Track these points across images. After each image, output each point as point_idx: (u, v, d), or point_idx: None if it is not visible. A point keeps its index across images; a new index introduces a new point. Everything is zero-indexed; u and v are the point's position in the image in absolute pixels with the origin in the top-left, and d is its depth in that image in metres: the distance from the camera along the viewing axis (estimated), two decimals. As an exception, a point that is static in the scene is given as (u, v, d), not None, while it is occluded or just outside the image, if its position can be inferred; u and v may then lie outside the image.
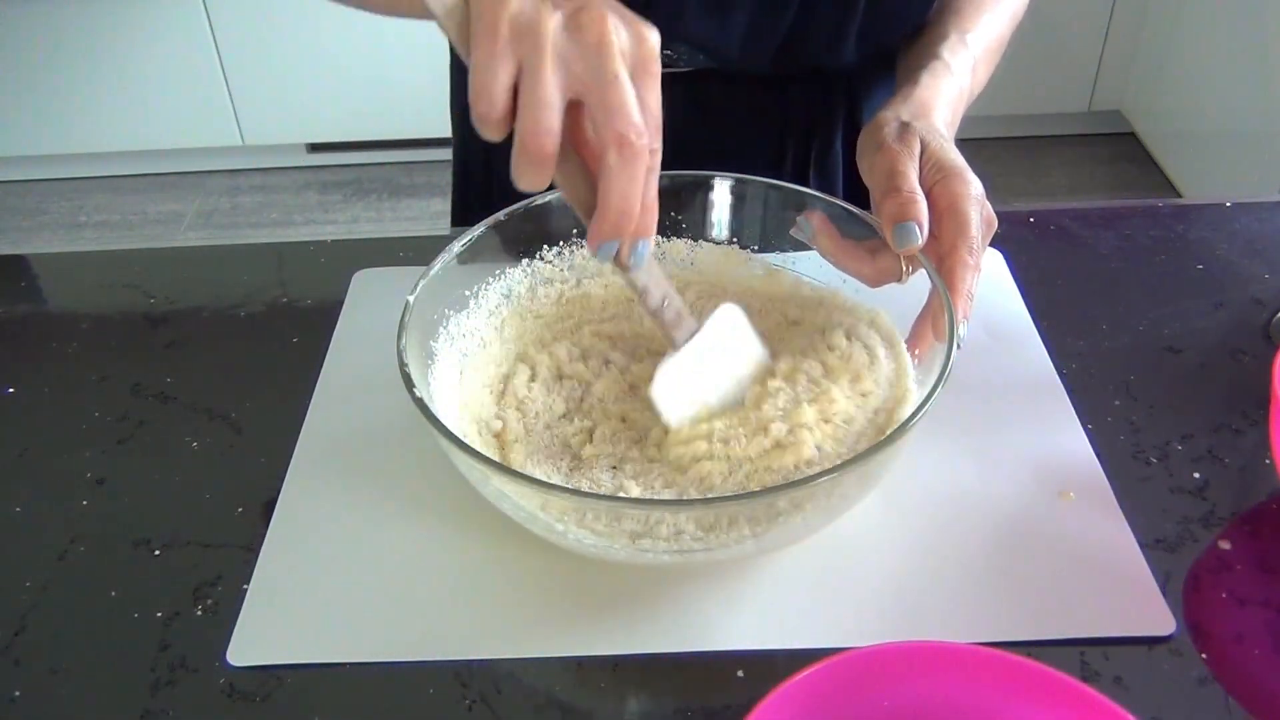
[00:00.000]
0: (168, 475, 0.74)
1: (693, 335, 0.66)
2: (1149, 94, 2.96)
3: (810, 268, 0.77)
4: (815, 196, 0.74)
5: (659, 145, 0.55)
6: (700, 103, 0.95)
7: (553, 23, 0.52)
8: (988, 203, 0.68)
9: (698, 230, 0.79)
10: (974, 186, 0.67)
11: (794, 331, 0.74)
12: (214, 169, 3.17)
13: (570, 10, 0.53)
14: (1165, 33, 2.84)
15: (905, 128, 0.71)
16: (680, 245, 0.79)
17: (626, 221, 0.56)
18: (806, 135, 0.99)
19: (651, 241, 0.59)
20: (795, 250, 0.77)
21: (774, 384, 0.67)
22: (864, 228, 0.71)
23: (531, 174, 0.54)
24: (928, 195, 0.67)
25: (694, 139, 0.96)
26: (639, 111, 0.54)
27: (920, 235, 0.65)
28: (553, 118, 0.53)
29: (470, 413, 0.69)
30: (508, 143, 0.97)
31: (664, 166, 0.76)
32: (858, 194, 0.77)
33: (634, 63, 0.54)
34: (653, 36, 0.55)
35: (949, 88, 0.77)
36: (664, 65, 0.91)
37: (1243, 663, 0.60)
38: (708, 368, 0.66)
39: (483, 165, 1.07)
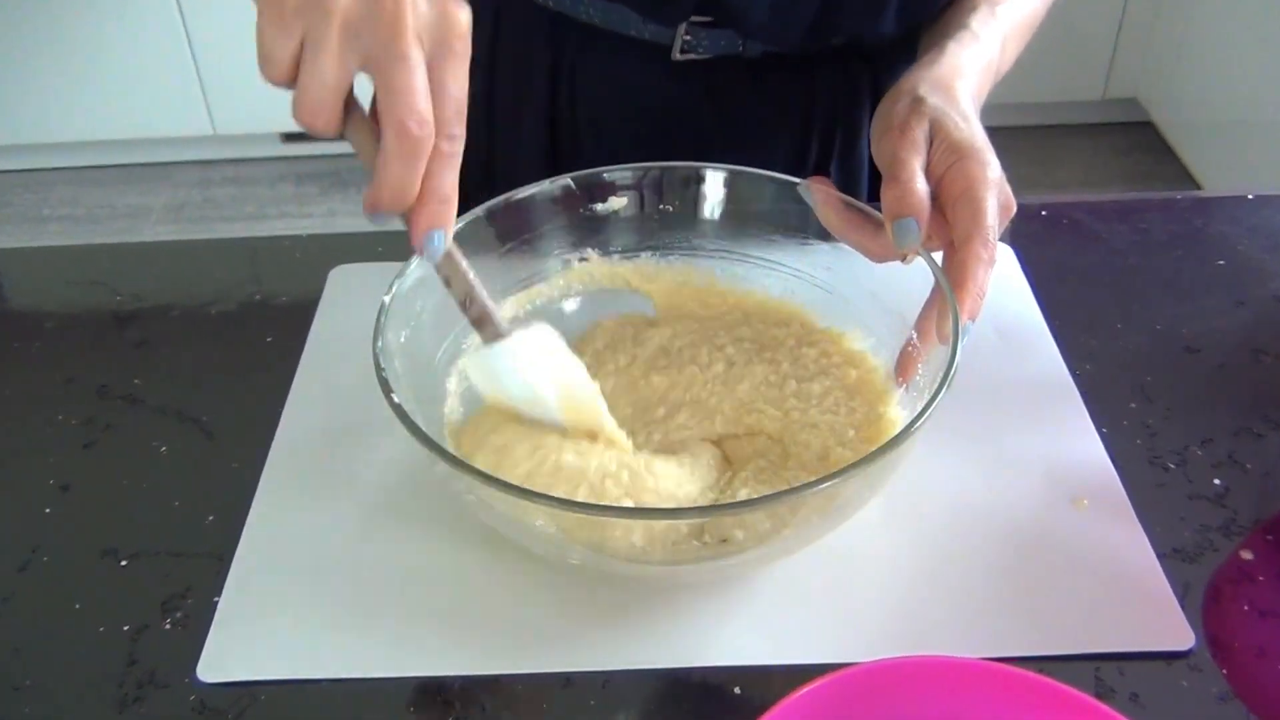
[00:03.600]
0: (135, 481, 0.74)
1: (498, 340, 0.64)
2: (1167, 81, 2.97)
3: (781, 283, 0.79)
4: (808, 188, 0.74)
5: (459, 132, 0.55)
6: (719, 94, 0.95)
7: None
8: (1006, 185, 0.67)
9: (689, 222, 0.79)
10: (991, 169, 0.66)
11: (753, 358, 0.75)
12: (184, 159, 3.17)
13: None
14: (1183, 15, 2.84)
15: (916, 106, 0.69)
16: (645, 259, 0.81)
17: (399, 203, 0.56)
18: (830, 131, 0.98)
19: (447, 233, 0.58)
20: (786, 239, 0.77)
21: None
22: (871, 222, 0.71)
23: (313, 132, 0.55)
24: (940, 180, 0.67)
25: (713, 132, 0.96)
26: (425, 97, 0.53)
27: (919, 233, 0.65)
28: (328, 95, 0.54)
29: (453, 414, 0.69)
30: (501, 136, 0.97)
31: (681, 158, 0.76)
32: None
33: (433, 42, 0.54)
34: (461, 14, 0.55)
35: (976, 57, 0.76)
36: (682, 52, 0.91)
37: (1265, 678, 0.60)
38: (519, 374, 0.65)
39: (487, 150, 1.07)
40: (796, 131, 0.98)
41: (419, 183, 0.55)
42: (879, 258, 0.70)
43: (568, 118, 0.98)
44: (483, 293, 0.63)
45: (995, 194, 0.66)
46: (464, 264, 0.63)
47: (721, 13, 0.88)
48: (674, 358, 0.75)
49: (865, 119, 0.99)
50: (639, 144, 0.80)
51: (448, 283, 0.63)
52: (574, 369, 0.65)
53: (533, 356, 0.64)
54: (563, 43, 0.95)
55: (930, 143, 0.68)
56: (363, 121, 0.57)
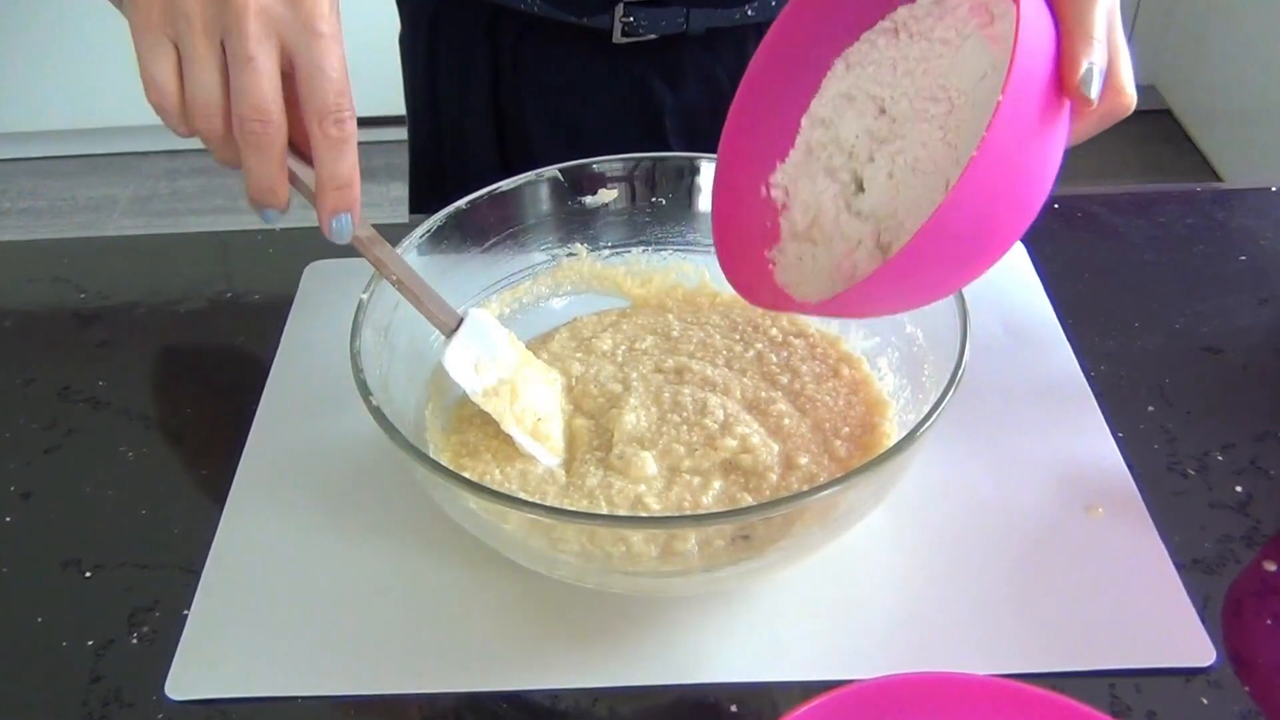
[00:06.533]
0: (100, 489, 0.73)
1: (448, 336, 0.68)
2: (1186, 68, 2.97)
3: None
4: None
5: (346, 115, 0.57)
6: (669, 76, 0.95)
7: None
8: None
9: (683, 216, 0.79)
10: None
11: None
12: (151, 149, 3.16)
13: None
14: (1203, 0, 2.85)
15: None
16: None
17: (268, 198, 0.60)
18: None
19: (354, 216, 0.61)
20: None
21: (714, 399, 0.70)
22: None
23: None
24: None
25: (665, 115, 0.96)
26: (266, 95, 0.56)
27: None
28: (214, 103, 0.58)
29: (436, 421, 0.69)
30: (448, 135, 0.97)
31: (633, 144, 0.76)
32: None
33: (294, 32, 0.56)
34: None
35: None
36: (625, 35, 0.91)
37: (1288, 695, 0.60)
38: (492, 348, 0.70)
39: (436, 149, 1.07)
40: None
41: (281, 175, 0.59)
42: None
43: (514, 111, 0.99)
44: (422, 294, 0.67)
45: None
46: (396, 268, 0.66)
47: None
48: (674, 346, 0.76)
49: None
50: (588, 132, 0.80)
51: (379, 266, 0.67)
52: (508, 360, 0.69)
53: (473, 353, 0.68)
54: (502, 35, 0.96)
55: None
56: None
